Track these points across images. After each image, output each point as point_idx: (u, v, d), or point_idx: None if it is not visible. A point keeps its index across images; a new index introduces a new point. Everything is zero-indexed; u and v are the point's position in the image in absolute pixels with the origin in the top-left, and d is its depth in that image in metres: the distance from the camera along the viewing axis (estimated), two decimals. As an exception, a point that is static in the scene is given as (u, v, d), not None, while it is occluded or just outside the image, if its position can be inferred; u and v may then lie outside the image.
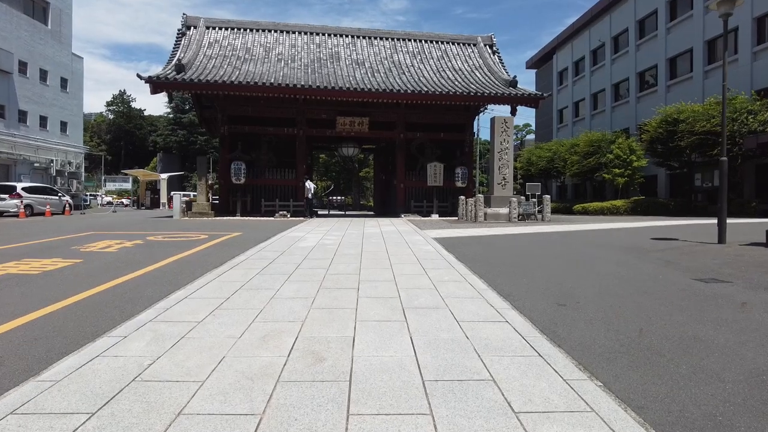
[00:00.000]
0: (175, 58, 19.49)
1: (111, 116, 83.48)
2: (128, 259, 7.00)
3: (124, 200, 47.34)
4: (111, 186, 38.11)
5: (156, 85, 17.71)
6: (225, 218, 17.85)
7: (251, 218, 17.93)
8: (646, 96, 29.16)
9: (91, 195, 38.25)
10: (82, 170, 34.19)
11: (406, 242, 9.20)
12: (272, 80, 18.38)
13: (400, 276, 5.43)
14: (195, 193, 33.38)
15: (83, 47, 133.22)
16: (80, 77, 33.72)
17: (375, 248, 8.18)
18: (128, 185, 38.49)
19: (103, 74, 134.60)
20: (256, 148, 20.74)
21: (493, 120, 17.32)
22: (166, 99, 64.19)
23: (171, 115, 65.79)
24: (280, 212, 18.69)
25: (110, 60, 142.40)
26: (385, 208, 24.81)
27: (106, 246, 8.62)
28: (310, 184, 18.52)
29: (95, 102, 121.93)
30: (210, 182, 20.32)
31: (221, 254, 7.47)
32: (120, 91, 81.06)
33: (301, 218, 17.92)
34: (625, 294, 4.65)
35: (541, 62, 46.74)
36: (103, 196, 43.33)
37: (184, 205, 18.41)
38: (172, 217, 17.97)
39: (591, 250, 8.26)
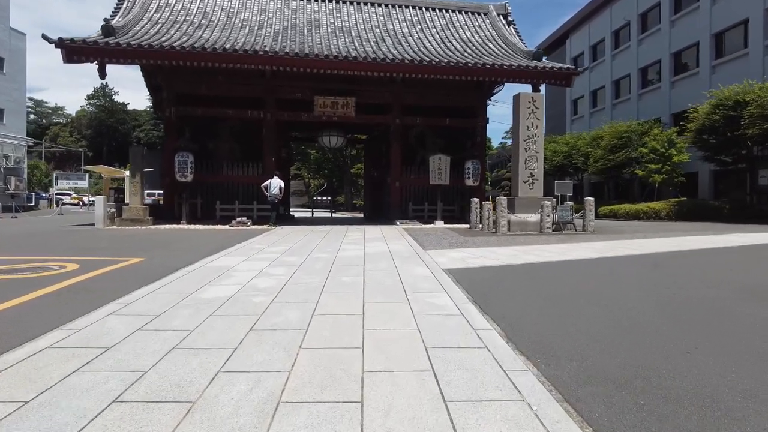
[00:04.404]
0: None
1: (92, 110, 78.96)
2: None
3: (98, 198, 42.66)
4: (64, 184, 33.52)
5: (70, 50, 13.40)
6: (164, 227, 13.52)
7: (199, 227, 13.60)
8: (683, 80, 24.91)
9: (46, 193, 33.51)
10: (25, 165, 29.56)
11: (401, 284, 5.03)
12: (227, 46, 14.07)
13: None
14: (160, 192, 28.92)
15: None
16: (22, 57, 28.88)
17: (341, 304, 3.98)
18: (84, 183, 33.96)
19: (95, 70, 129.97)
20: (213, 136, 16.48)
21: (517, 97, 13.05)
22: (148, 94, 60.17)
23: (153, 109, 61.53)
24: (239, 219, 14.36)
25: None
26: (378, 212, 20.51)
27: None
28: (276, 182, 14.12)
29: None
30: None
31: (25, 327, 3.23)
32: (102, 83, 75.98)
33: (265, 226, 13.64)
34: None
35: (551, 48, 42.29)
36: (67, 194, 38.60)
37: (112, 210, 14.07)
38: (94, 225, 13.64)
39: (748, 306, 3.99)
